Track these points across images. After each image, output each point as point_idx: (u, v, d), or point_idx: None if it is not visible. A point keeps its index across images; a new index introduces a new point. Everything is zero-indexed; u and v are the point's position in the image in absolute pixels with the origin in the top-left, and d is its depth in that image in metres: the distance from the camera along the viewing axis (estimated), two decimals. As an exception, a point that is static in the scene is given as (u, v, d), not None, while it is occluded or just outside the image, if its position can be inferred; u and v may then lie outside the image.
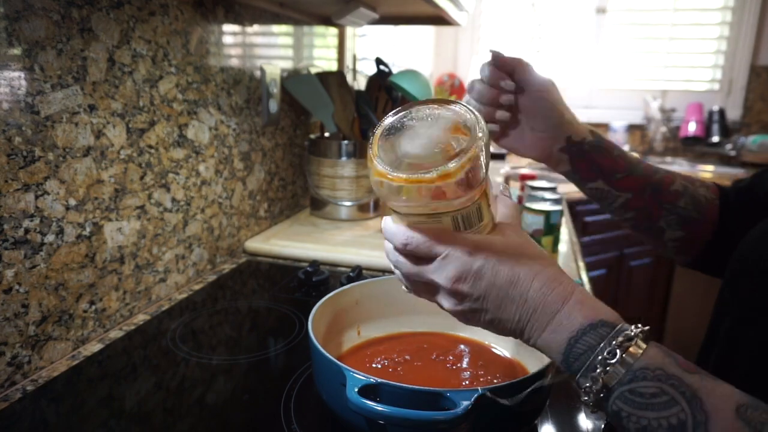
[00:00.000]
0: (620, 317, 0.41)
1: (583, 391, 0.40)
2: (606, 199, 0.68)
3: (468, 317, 0.44)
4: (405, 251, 0.44)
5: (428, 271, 0.43)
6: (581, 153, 0.66)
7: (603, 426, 0.56)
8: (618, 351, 0.38)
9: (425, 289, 0.45)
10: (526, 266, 0.42)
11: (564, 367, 0.41)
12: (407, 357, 0.61)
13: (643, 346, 0.38)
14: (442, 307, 0.45)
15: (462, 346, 0.66)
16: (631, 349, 0.38)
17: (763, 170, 0.64)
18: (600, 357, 0.38)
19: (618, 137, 2.72)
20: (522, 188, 1.37)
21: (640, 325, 0.40)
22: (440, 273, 0.42)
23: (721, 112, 2.56)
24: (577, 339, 0.40)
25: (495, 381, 0.57)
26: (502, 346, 0.65)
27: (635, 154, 0.66)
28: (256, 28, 1.06)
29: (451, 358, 0.60)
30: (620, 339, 0.38)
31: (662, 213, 0.65)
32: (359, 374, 0.47)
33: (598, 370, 0.38)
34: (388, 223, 0.45)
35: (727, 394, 0.36)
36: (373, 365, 0.60)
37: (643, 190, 0.64)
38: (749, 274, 0.51)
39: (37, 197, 0.62)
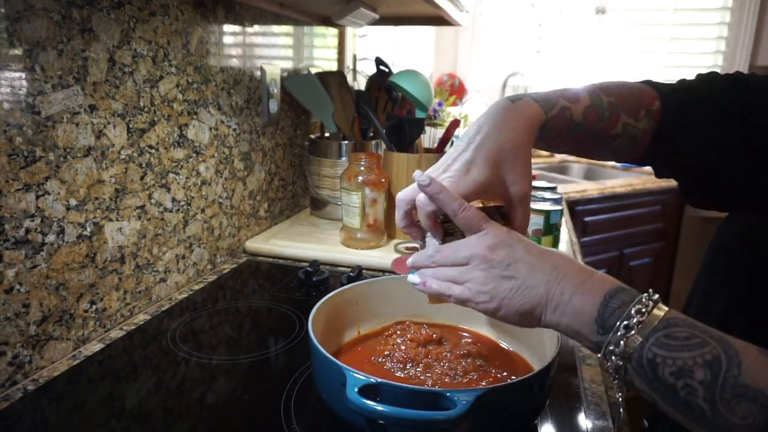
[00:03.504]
0: None
1: (611, 353, 0.42)
2: (548, 150, 0.70)
3: (493, 290, 0.47)
4: (458, 215, 0.49)
5: (467, 243, 0.49)
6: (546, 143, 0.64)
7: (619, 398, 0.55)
8: (651, 303, 0.42)
9: (451, 279, 0.50)
10: (556, 252, 0.48)
11: (596, 327, 0.43)
12: (407, 356, 0.61)
13: (665, 308, 0.43)
14: (463, 299, 0.49)
15: (463, 341, 0.66)
16: (660, 305, 0.42)
17: (707, 76, 0.63)
18: (635, 309, 0.42)
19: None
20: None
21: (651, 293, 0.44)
22: (479, 241, 0.48)
23: (721, 112, 2.56)
24: (612, 295, 0.43)
25: (499, 375, 0.57)
26: (507, 343, 0.66)
27: (580, 90, 0.63)
28: (256, 28, 1.06)
29: (448, 355, 0.60)
30: (649, 295, 0.43)
31: (594, 153, 0.67)
32: (359, 374, 0.47)
33: (634, 320, 0.41)
34: (445, 192, 0.49)
35: (746, 342, 0.40)
36: (374, 365, 0.60)
37: (581, 141, 0.64)
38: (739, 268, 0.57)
39: (37, 197, 0.62)
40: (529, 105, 0.56)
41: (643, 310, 0.42)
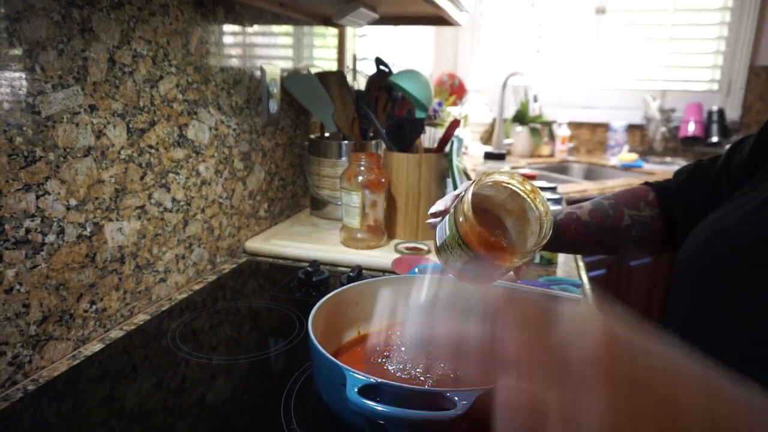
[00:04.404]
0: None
1: None
2: (576, 252, 0.87)
3: None
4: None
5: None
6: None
7: None
8: None
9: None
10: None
11: None
12: (407, 357, 0.61)
13: None
14: None
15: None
16: None
17: (698, 162, 0.73)
18: None
19: (618, 137, 2.73)
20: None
21: None
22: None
23: (721, 113, 2.57)
24: None
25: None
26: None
27: (585, 206, 0.76)
28: (256, 28, 1.06)
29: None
30: None
31: (619, 246, 0.76)
32: (359, 374, 0.47)
33: None
34: None
35: None
36: (373, 365, 0.60)
37: (602, 240, 0.75)
38: (694, 276, 0.56)
39: (38, 197, 0.62)
40: None
41: None
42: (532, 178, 1.43)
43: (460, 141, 1.20)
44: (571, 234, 0.74)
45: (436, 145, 1.22)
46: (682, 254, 0.60)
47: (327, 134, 1.31)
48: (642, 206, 0.75)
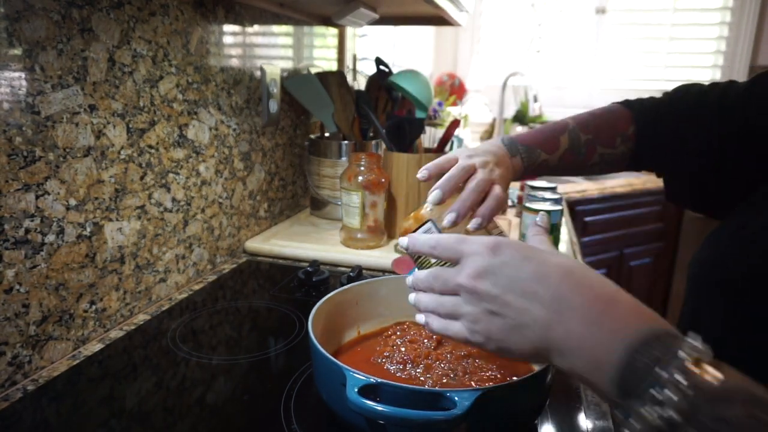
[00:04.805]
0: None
1: (635, 416, 0.31)
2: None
3: (485, 329, 0.40)
4: (434, 253, 0.44)
5: (451, 276, 0.42)
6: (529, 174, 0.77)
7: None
8: (695, 370, 0.30)
9: (449, 314, 0.43)
10: (555, 262, 0.38)
11: (615, 389, 0.33)
12: (407, 357, 0.61)
13: (715, 363, 0.31)
14: (461, 340, 0.43)
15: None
16: (705, 367, 0.30)
17: (701, 97, 0.68)
18: (669, 376, 0.30)
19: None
20: (522, 188, 1.37)
21: (696, 337, 0.32)
22: (461, 272, 0.41)
23: (721, 112, 2.56)
24: (638, 349, 0.32)
25: (499, 375, 0.57)
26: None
27: (555, 123, 0.75)
28: (256, 28, 1.06)
29: (449, 356, 0.60)
30: (691, 353, 0.31)
31: (576, 175, 0.82)
32: (359, 374, 0.47)
33: (667, 392, 0.30)
34: (417, 235, 0.48)
35: None
36: (373, 365, 0.60)
37: (564, 172, 0.77)
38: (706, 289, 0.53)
39: (37, 197, 0.62)
40: (514, 161, 0.69)
41: (683, 383, 0.29)
42: (532, 178, 1.43)
43: (460, 141, 1.20)
44: (536, 169, 0.74)
45: (436, 145, 1.22)
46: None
47: (327, 134, 1.31)
48: (618, 143, 0.73)
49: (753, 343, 0.45)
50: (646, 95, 0.79)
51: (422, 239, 0.46)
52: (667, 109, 0.71)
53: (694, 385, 0.30)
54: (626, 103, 0.76)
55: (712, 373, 0.30)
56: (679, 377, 0.30)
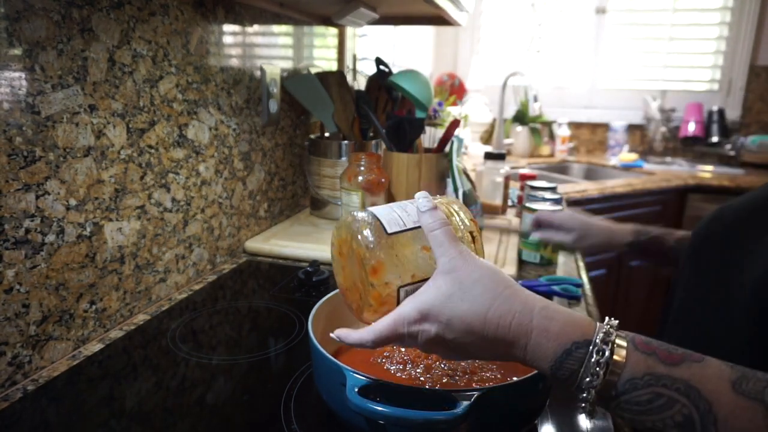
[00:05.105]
0: (590, 322, 0.41)
1: (580, 400, 0.40)
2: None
3: (455, 357, 0.48)
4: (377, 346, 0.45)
5: (403, 346, 0.49)
6: (640, 250, 0.93)
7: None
8: (600, 372, 0.38)
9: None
10: (472, 309, 0.41)
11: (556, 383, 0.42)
12: (407, 357, 0.61)
13: (623, 353, 0.39)
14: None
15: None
16: (615, 357, 0.38)
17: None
18: (586, 379, 0.39)
19: (618, 137, 2.72)
20: (522, 188, 1.37)
21: (610, 324, 0.40)
22: (413, 344, 0.45)
23: (721, 112, 2.57)
24: (558, 367, 0.40)
25: (499, 375, 0.57)
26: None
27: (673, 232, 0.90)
28: (256, 28, 1.06)
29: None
30: (598, 357, 0.38)
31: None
32: (359, 374, 0.47)
33: (585, 394, 0.39)
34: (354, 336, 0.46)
35: (717, 374, 0.37)
36: (373, 365, 0.60)
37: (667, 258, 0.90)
38: (700, 250, 0.68)
39: (37, 197, 0.62)
40: None
41: (594, 381, 0.38)
42: (532, 178, 1.43)
43: (460, 141, 1.20)
44: (658, 250, 0.91)
45: (436, 145, 1.22)
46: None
47: (327, 134, 1.31)
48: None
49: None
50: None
51: (354, 336, 0.46)
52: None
53: (603, 383, 0.38)
54: None
55: (618, 364, 0.38)
56: (590, 382, 0.39)
